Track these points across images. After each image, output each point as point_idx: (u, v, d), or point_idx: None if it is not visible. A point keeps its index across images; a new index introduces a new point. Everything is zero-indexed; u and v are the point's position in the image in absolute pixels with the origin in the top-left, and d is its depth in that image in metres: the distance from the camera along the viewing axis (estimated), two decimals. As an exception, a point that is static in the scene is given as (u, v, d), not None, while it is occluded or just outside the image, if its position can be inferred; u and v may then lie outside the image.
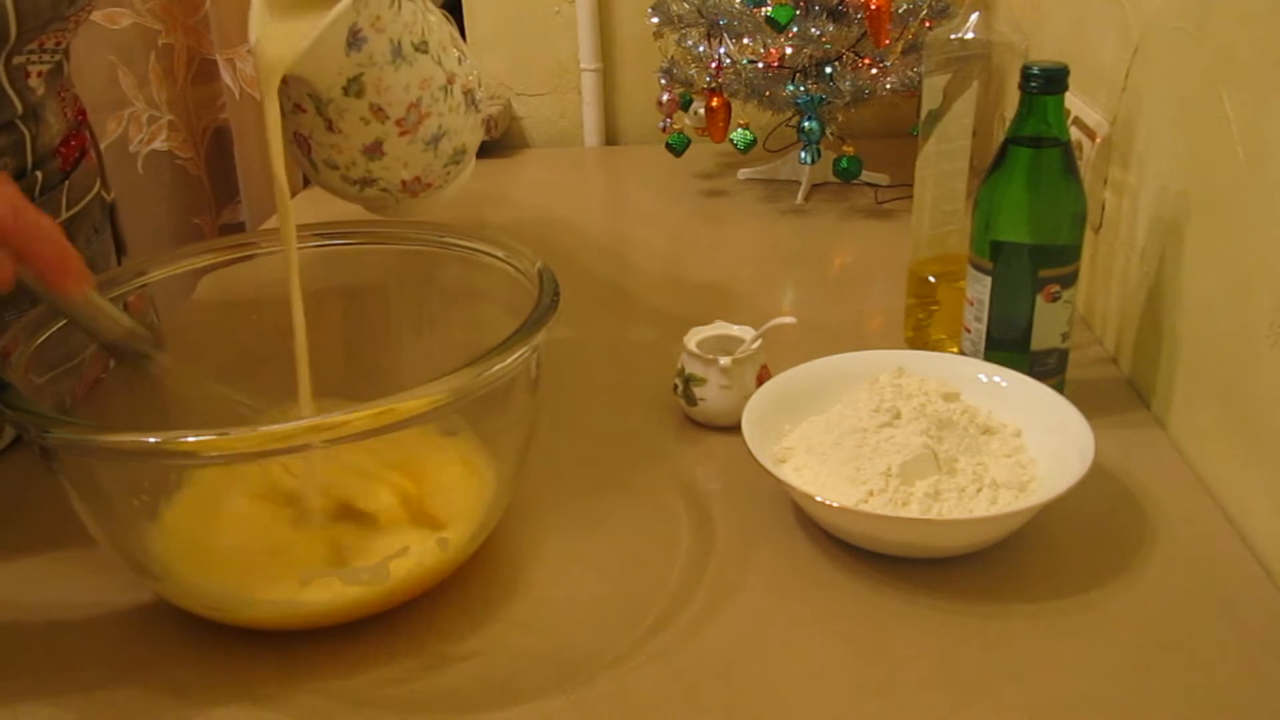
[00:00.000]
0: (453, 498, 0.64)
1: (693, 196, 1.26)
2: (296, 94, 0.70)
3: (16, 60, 0.68)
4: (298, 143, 0.75)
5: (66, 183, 0.76)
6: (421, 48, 0.71)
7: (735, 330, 0.78)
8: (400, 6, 0.69)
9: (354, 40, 0.67)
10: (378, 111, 0.70)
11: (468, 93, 0.76)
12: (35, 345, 0.60)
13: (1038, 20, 1.04)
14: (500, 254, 0.68)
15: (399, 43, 0.69)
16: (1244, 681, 0.54)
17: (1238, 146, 0.65)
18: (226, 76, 1.34)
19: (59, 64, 0.74)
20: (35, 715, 0.55)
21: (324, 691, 0.56)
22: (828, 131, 1.17)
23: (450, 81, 0.74)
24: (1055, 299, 0.73)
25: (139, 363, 0.60)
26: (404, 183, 0.75)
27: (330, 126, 0.71)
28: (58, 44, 0.70)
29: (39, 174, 0.73)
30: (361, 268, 0.75)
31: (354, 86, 0.69)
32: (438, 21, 0.74)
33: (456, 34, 0.78)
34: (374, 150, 0.72)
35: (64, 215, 0.76)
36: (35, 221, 0.52)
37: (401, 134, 0.72)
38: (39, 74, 0.70)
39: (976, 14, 0.77)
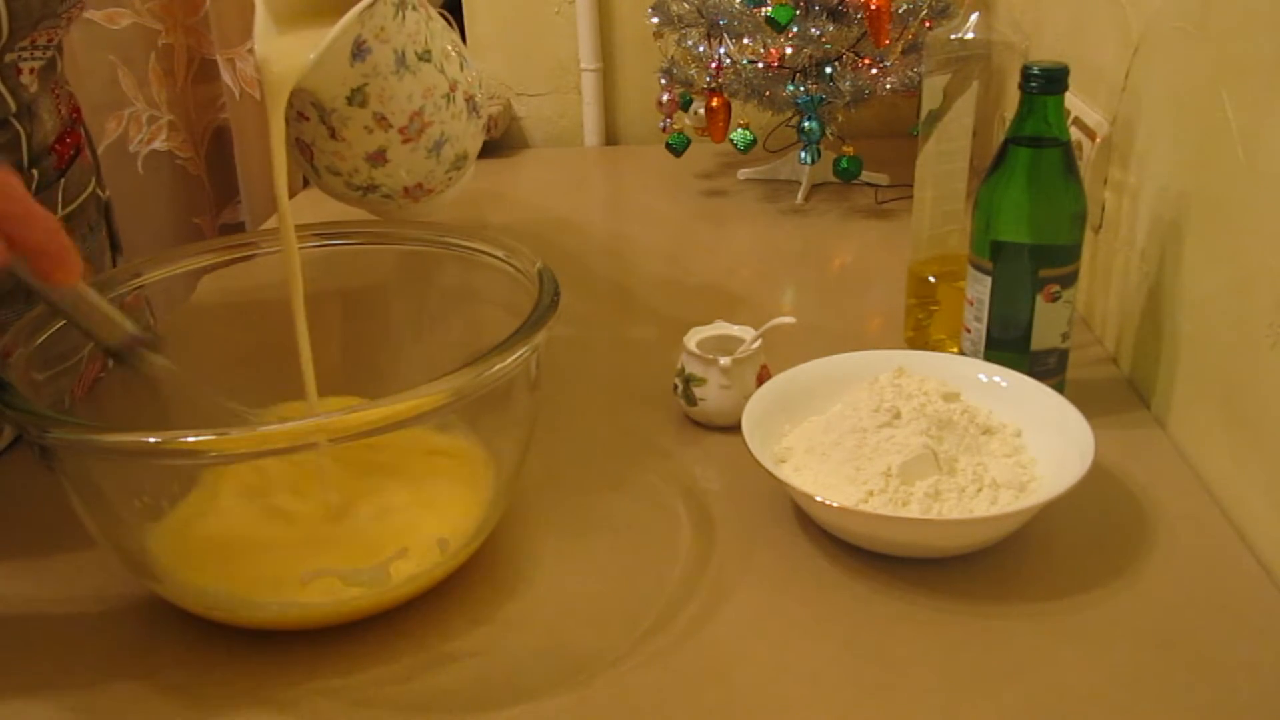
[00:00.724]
0: (452, 498, 0.65)
1: (693, 196, 1.26)
2: (299, 102, 0.70)
3: (8, 58, 0.67)
4: (300, 149, 0.75)
5: (62, 180, 0.76)
6: (425, 57, 0.71)
7: (735, 330, 0.78)
8: (404, 17, 0.69)
9: (358, 51, 0.67)
10: (381, 120, 0.70)
11: (469, 99, 0.76)
12: (35, 345, 0.60)
13: (1038, 20, 1.04)
14: (500, 254, 0.68)
15: (403, 52, 0.69)
16: (1244, 681, 0.54)
17: (1238, 146, 0.65)
18: (226, 76, 1.34)
19: (52, 60, 0.73)
20: (34, 714, 0.55)
21: (324, 691, 0.56)
22: (828, 131, 1.17)
23: (453, 89, 0.74)
24: (1055, 299, 0.73)
25: (137, 365, 0.59)
26: (406, 189, 0.75)
27: (333, 134, 0.71)
28: (50, 40, 0.70)
29: (35, 172, 0.73)
30: (361, 268, 0.75)
31: (358, 96, 0.69)
32: (440, 29, 0.74)
33: (458, 39, 0.78)
34: (377, 158, 0.72)
35: (59, 213, 0.76)
36: (27, 205, 0.50)
37: (404, 142, 0.72)
38: (31, 71, 0.70)
39: (976, 14, 0.77)
